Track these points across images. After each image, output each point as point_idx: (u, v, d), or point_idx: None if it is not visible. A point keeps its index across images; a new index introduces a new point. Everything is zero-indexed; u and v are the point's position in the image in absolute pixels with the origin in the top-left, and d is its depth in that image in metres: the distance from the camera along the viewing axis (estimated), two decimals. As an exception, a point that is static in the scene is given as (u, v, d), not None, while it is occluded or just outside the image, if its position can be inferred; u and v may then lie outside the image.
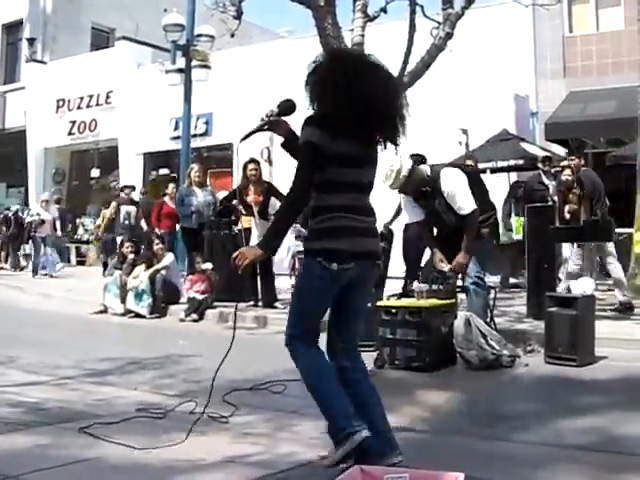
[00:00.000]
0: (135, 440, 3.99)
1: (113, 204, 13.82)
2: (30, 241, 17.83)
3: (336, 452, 3.44)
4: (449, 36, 9.25)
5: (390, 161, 6.43)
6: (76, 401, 5.01)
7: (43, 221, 16.65)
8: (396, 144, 3.60)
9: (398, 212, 10.48)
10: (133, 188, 15.52)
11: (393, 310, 6.28)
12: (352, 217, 3.45)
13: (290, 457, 3.77)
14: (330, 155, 3.39)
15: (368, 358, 6.23)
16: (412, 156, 10.37)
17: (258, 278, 9.90)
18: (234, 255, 3.54)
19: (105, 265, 17.56)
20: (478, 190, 6.76)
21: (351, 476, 3.05)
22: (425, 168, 6.65)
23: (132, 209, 14.33)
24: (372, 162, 3.59)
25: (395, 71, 9.20)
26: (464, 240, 6.49)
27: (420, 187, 6.56)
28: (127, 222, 14.17)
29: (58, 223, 17.80)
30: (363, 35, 9.59)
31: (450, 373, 6.05)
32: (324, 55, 3.65)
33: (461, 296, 6.86)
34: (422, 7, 9.84)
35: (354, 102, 3.36)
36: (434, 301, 6.29)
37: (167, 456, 3.78)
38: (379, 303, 6.49)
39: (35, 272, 16.41)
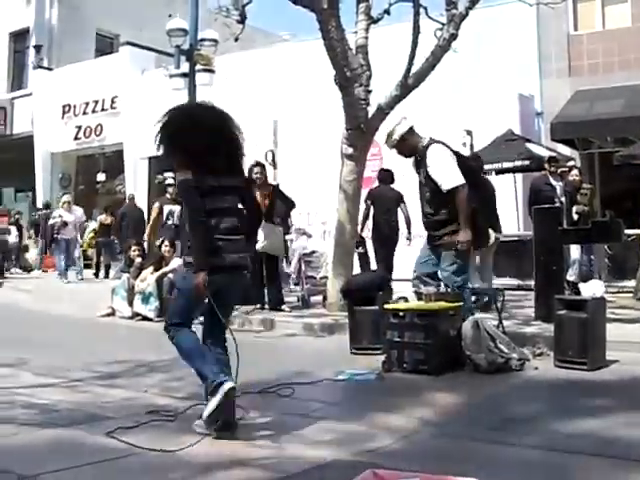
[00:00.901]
0: (146, 442, 4.01)
1: (156, 205, 13.44)
2: (53, 244, 17.81)
3: (210, 403, 4.13)
4: (453, 37, 9.24)
5: (390, 123, 7.03)
6: (87, 403, 5.04)
7: (66, 223, 16.47)
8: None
9: (366, 217, 10.63)
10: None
11: (401, 313, 6.25)
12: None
13: (300, 460, 3.76)
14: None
15: (376, 361, 6.30)
16: (382, 171, 10.65)
17: (264, 281, 9.91)
18: (195, 293, 4.28)
19: (107, 267, 17.74)
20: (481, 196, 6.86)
21: (364, 480, 3.05)
22: (423, 138, 6.77)
23: (176, 208, 13.70)
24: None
25: (400, 73, 9.28)
26: (459, 217, 6.51)
27: (413, 154, 6.79)
28: (170, 222, 13.82)
29: (80, 225, 17.71)
30: (367, 37, 9.62)
31: (458, 376, 5.99)
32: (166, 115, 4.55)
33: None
34: (426, 8, 9.83)
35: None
36: (442, 304, 6.27)
37: (178, 458, 3.79)
38: (387, 306, 6.47)
39: (62, 275, 16.12)
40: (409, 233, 11.04)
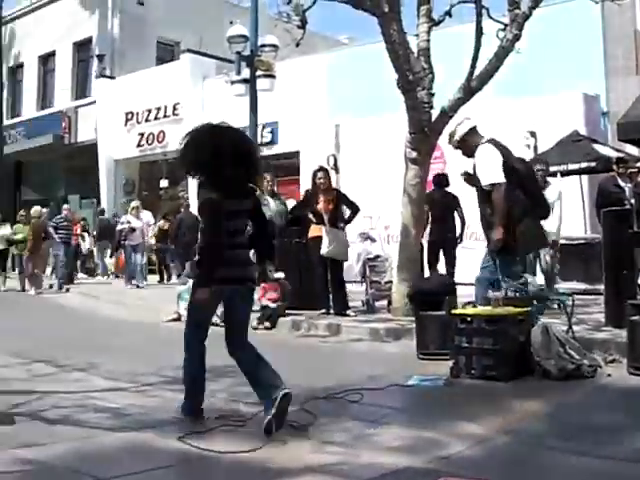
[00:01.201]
0: (217, 447, 4.04)
1: None
2: (119, 249, 18.18)
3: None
4: (516, 38, 9.09)
5: (453, 123, 7.33)
6: (157, 407, 5.13)
7: (133, 229, 16.68)
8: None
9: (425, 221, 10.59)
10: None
11: (468, 318, 6.17)
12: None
13: (371, 467, 3.75)
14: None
15: (443, 367, 6.24)
16: (437, 176, 10.67)
17: (329, 286, 9.93)
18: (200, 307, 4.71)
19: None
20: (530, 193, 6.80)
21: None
22: (483, 139, 6.84)
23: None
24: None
25: (462, 75, 9.19)
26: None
27: (473, 154, 6.84)
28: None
29: (149, 229, 18.10)
30: (428, 40, 9.54)
31: (528, 383, 5.88)
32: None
33: None
34: (488, 9, 9.71)
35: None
36: (510, 309, 6.17)
37: (249, 463, 3.82)
38: (454, 311, 6.41)
39: (128, 281, 16.49)
40: (460, 236, 11.20)
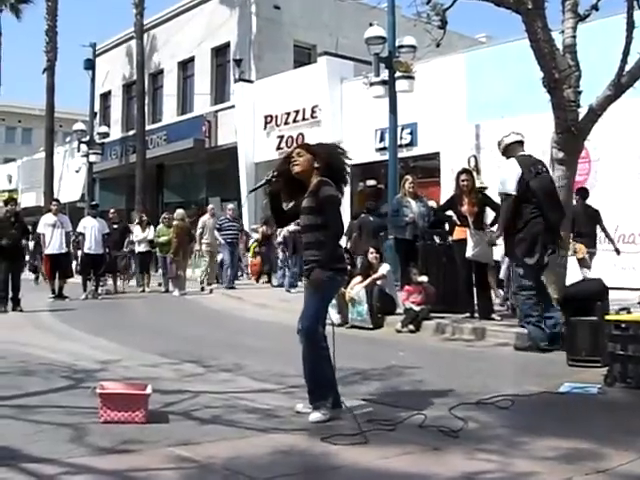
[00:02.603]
0: (368, 451, 4.08)
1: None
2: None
3: (320, 410, 4.80)
4: (671, 30, 8.68)
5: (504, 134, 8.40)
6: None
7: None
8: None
9: None
10: None
11: (623, 325, 5.94)
12: None
13: (529, 477, 3.68)
14: None
15: (595, 374, 6.04)
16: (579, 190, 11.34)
17: (474, 289, 9.81)
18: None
19: (268, 274, 18.21)
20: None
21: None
22: (520, 153, 8.05)
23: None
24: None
25: (611, 71, 8.84)
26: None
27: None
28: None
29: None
30: (575, 36, 9.22)
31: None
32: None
33: None
34: (639, 1, 9.30)
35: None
36: (669, 315, 5.91)
37: (402, 468, 3.82)
38: (608, 317, 6.18)
39: (280, 284, 16.37)
40: (614, 246, 11.71)
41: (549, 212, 7.78)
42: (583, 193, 11.65)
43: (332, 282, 5.00)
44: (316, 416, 4.78)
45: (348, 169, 5.17)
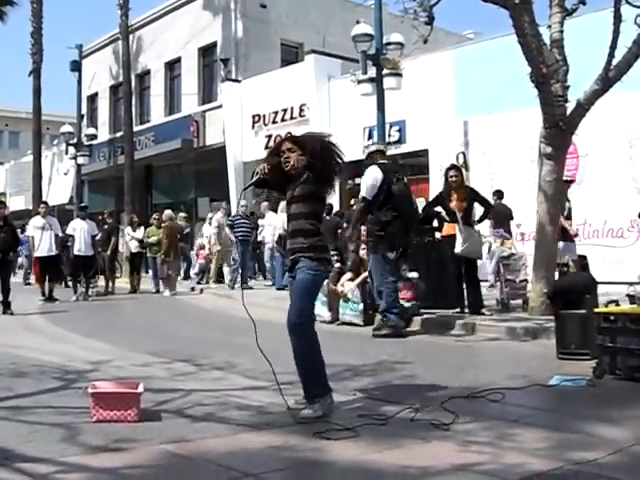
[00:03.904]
0: (360, 445, 4.09)
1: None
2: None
3: (313, 406, 4.81)
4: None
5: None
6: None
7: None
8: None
9: None
10: None
11: (612, 317, 5.98)
12: None
13: (519, 468, 3.69)
14: None
15: (584, 367, 6.07)
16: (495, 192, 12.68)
17: (464, 285, 9.84)
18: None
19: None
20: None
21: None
22: (380, 161, 9.20)
23: None
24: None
25: (598, 65, 8.89)
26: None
27: None
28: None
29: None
30: (562, 31, 9.28)
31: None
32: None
33: None
34: (626, -5, 9.35)
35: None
36: (658, 307, 5.95)
37: (394, 462, 3.82)
38: (597, 309, 6.22)
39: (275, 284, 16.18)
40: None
41: (406, 213, 8.91)
42: (499, 194, 13.60)
43: (317, 274, 5.01)
44: (307, 412, 4.78)
45: (339, 160, 5.09)
